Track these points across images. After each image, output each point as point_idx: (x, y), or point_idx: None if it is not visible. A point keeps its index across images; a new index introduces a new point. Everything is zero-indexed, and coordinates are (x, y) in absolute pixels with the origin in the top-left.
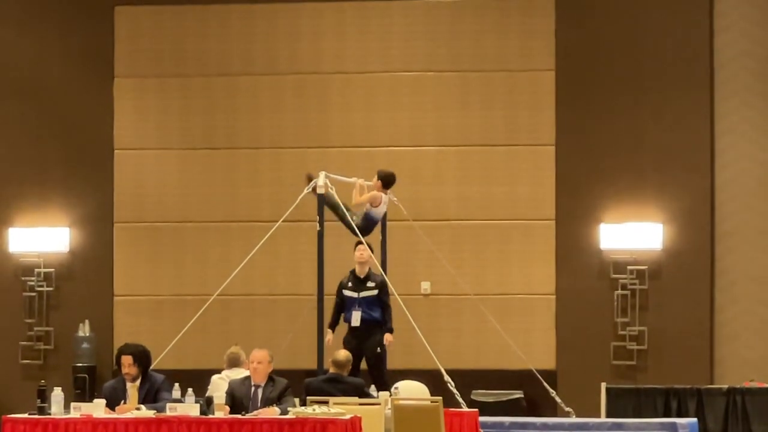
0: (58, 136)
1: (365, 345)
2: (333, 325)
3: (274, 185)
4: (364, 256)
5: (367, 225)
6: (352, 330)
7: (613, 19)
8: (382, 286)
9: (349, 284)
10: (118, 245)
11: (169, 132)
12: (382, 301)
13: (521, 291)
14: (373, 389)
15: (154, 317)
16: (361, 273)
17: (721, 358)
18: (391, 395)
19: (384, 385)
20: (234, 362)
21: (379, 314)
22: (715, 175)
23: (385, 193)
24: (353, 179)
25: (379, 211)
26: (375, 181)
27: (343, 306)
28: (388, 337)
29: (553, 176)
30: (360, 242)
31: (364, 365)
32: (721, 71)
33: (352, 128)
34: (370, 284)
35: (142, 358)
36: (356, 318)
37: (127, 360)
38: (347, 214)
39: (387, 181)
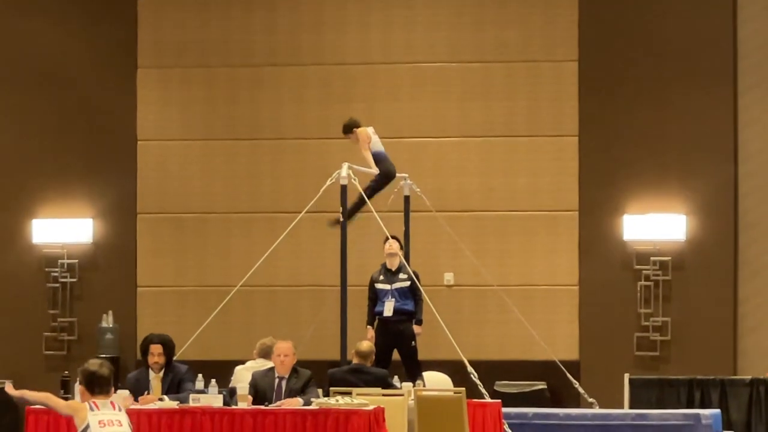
0: (82, 127)
1: (398, 337)
2: (372, 321)
3: (298, 176)
4: (393, 248)
5: (382, 162)
6: (384, 321)
7: (636, 10)
8: (413, 279)
9: (381, 277)
10: (141, 236)
11: (193, 123)
12: (414, 292)
13: (544, 282)
14: (396, 380)
15: (177, 308)
16: (392, 266)
17: (744, 348)
18: (414, 386)
19: (419, 376)
20: (266, 353)
21: (411, 306)
22: (738, 166)
23: (363, 129)
24: (374, 170)
25: (376, 143)
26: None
27: (376, 300)
28: (416, 329)
29: (577, 167)
30: (390, 237)
31: (395, 356)
32: (745, 62)
33: (375, 119)
34: (402, 276)
35: (170, 347)
36: (389, 308)
37: (156, 349)
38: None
39: (347, 127)
